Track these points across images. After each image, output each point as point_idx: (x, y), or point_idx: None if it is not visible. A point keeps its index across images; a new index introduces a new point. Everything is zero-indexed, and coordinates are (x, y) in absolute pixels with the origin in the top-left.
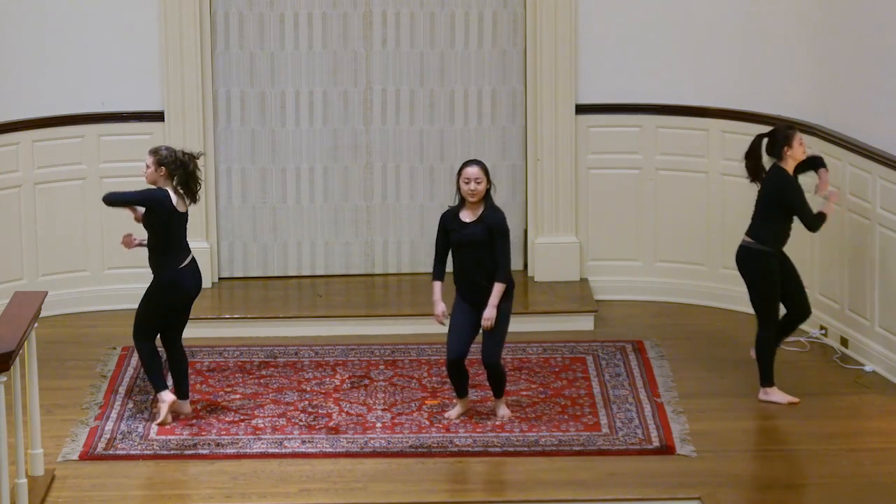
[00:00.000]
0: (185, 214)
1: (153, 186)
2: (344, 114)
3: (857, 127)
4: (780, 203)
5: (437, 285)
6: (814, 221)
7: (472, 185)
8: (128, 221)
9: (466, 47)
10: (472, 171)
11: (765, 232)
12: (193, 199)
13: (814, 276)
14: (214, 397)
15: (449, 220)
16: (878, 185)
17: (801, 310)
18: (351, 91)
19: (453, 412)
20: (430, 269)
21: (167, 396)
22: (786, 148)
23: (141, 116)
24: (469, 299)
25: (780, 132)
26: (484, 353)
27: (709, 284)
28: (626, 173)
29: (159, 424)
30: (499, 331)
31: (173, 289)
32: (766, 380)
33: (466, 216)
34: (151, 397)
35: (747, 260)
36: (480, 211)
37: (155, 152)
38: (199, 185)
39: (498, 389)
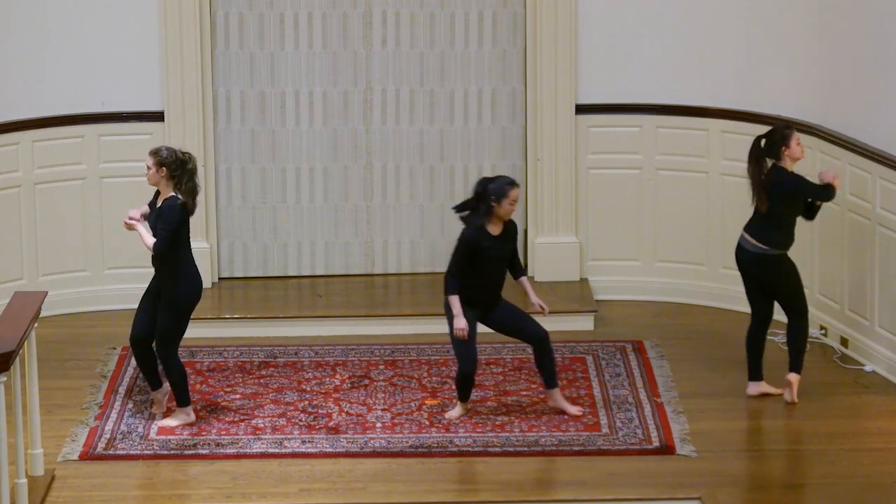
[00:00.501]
0: None
1: (168, 193)
2: (344, 114)
3: (857, 127)
4: (785, 199)
5: (458, 299)
6: (825, 192)
7: (515, 208)
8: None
9: (466, 47)
10: (518, 194)
11: (777, 236)
12: (192, 205)
13: (814, 276)
14: (214, 397)
15: (481, 238)
16: (878, 185)
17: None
18: (351, 91)
19: (454, 413)
20: (430, 269)
21: (192, 414)
22: (783, 148)
23: (141, 116)
24: (482, 305)
25: (778, 132)
26: (535, 333)
27: (709, 284)
28: (626, 173)
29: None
30: (523, 312)
31: (200, 283)
32: (798, 368)
33: (493, 230)
34: (152, 397)
35: (766, 264)
36: (503, 224)
37: (155, 153)
38: (197, 186)
39: (554, 372)
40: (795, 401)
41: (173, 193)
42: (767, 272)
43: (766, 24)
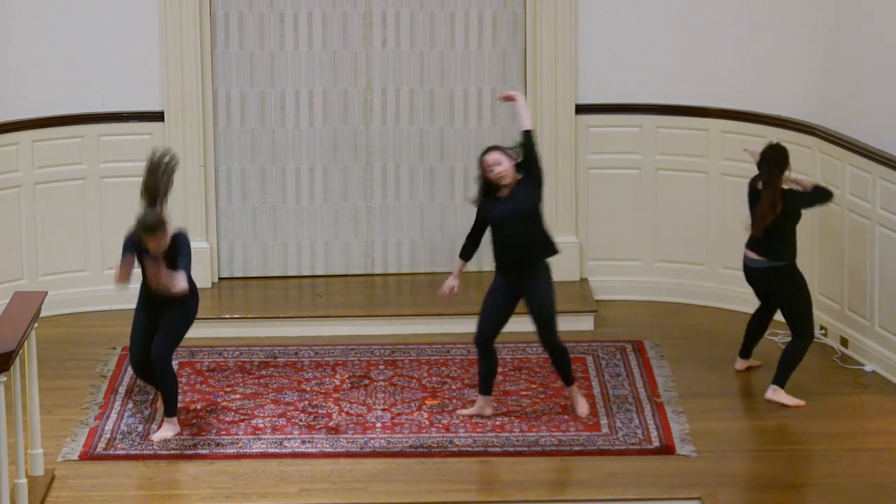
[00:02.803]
0: None
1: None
2: (344, 114)
3: (858, 127)
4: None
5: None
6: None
7: (496, 170)
8: (126, 223)
9: (466, 47)
10: (492, 157)
11: (788, 249)
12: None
13: (814, 276)
14: (214, 397)
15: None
16: (878, 185)
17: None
18: (351, 91)
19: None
20: (430, 269)
21: (178, 426)
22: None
23: (141, 116)
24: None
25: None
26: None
27: (709, 284)
28: (626, 173)
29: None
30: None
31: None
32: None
33: (503, 194)
34: (151, 397)
35: (781, 277)
36: (508, 188)
37: (161, 224)
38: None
39: (568, 372)
40: (799, 404)
41: (177, 231)
42: (782, 284)
43: (766, 25)
